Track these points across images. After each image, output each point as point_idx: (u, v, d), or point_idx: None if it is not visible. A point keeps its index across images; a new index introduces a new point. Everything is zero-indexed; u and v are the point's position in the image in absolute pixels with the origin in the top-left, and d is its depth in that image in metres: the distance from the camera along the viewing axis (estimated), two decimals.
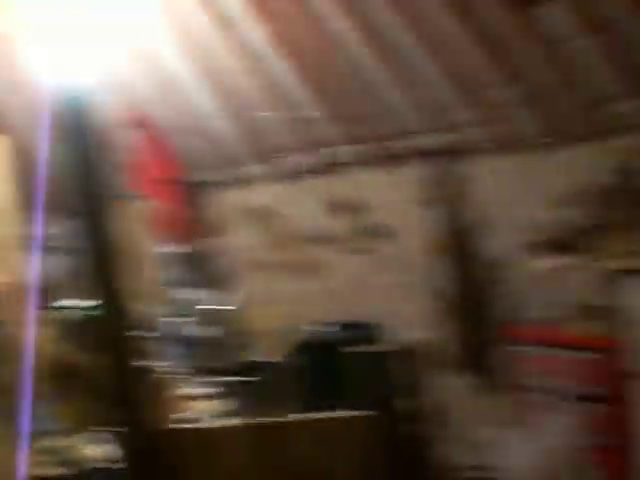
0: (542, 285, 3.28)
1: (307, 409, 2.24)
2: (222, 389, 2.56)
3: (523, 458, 2.86)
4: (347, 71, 3.68)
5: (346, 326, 2.57)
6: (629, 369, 2.69)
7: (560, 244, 3.21)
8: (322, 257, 4.24)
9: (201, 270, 4.31)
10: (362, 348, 1.85)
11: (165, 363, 2.58)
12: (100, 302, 3.03)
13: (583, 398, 2.82)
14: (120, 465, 2.31)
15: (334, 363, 2.28)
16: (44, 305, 4.13)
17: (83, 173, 2.05)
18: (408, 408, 1.90)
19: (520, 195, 3.55)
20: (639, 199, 3.07)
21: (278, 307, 4.24)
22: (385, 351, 1.77)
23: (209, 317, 3.73)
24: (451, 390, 3.47)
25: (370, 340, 2.20)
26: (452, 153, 3.83)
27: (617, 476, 2.66)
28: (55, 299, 4.34)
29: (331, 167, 4.15)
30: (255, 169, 4.28)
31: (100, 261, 2.11)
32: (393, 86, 3.70)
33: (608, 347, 2.68)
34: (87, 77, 2.09)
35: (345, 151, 4.08)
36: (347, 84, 3.77)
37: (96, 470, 2.56)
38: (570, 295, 3.10)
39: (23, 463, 2.68)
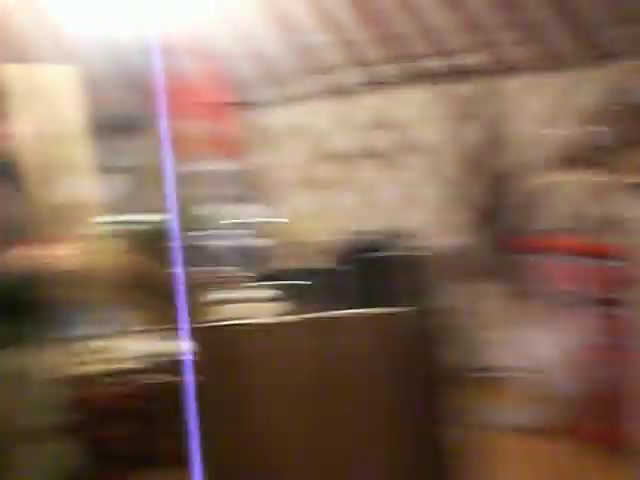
0: (565, 198, 3.48)
1: (353, 308, 2.52)
2: (278, 292, 2.83)
3: (542, 356, 3.14)
4: None
5: (387, 235, 2.81)
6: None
7: (585, 159, 3.38)
8: (364, 172, 4.47)
9: (249, 186, 4.55)
10: (399, 253, 2.09)
11: (225, 269, 2.86)
12: (163, 216, 3.34)
13: (598, 302, 3.07)
14: (186, 358, 2.62)
15: (376, 268, 2.54)
16: (112, 220, 4.46)
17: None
18: (437, 308, 2.17)
19: (551, 112, 3.72)
20: None
21: (324, 220, 4.52)
22: (419, 256, 2.00)
23: (259, 229, 4.00)
24: (475, 295, 3.75)
25: (407, 247, 2.43)
26: (488, 72, 3.98)
27: (625, 371, 2.92)
28: (121, 214, 4.67)
29: (373, 85, 4.31)
30: (300, 88, 4.46)
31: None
32: (434, 7, 3.84)
33: (622, 255, 2.91)
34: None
35: (387, 70, 4.25)
36: (390, 5, 3.90)
37: (164, 363, 2.86)
38: (589, 207, 3.29)
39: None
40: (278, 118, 4.61)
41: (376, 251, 2.69)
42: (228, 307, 2.54)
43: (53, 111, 3.58)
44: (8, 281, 3.27)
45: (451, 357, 2.21)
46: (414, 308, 2.18)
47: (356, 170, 4.51)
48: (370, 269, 2.60)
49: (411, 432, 2.36)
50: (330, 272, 2.86)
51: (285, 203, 4.59)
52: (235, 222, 3.66)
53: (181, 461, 2.84)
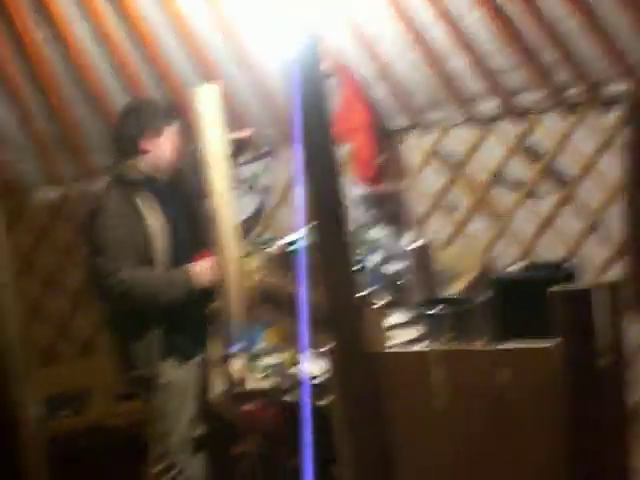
0: None
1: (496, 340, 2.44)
2: (418, 320, 2.78)
3: None
4: (535, 21, 3.74)
5: (535, 266, 2.70)
6: None
7: None
8: (507, 201, 4.36)
9: (392, 211, 4.54)
10: (558, 287, 1.98)
11: (367, 293, 2.84)
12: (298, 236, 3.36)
13: None
14: (327, 380, 2.59)
15: (528, 300, 2.44)
16: (251, 239, 4.54)
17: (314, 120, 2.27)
18: (601, 346, 2.04)
19: None
20: None
21: (465, 248, 4.44)
22: (581, 290, 1.88)
23: (400, 254, 3.97)
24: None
25: (561, 280, 2.32)
26: (636, 101, 3.82)
27: None
28: (258, 234, 4.75)
29: (518, 113, 4.22)
30: (444, 115, 4.41)
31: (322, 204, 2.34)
32: (581, 35, 3.72)
33: None
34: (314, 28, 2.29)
35: (528, 97, 4.14)
36: (532, 32, 3.81)
37: (304, 384, 2.85)
38: None
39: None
40: (416, 145, 4.58)
41: (525, 282, 2.60)
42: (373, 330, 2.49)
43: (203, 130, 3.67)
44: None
45: (618, 398, 2.08)
46: (571, 346, 2.05)
47: (494, 199, 4.41)
48: (518, 301, 2.51)
49: None
50: (473, 302, 2.78)
51: (426, 229, 4.54)
52: (374, 247, 3.63)
53: None
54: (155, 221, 3.36)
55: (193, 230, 3.66)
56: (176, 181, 3.65)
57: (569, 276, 2.41)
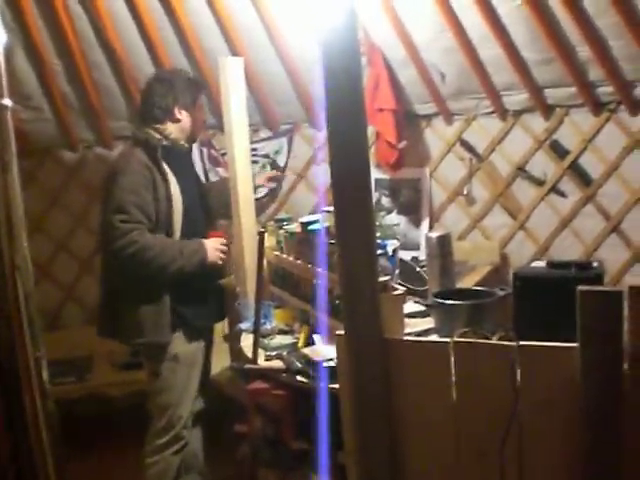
0: None
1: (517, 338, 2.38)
2: (434, 310, 2.73)
3: None
4: (572, 16, 3.66)
5: (559, 264, 2.64)
6: None
7: None
8: (528, 196, 4.31)
9: (410, 198, 4.49)
10: (587, 287, 1.92)
11: (384, 280, 2.78)
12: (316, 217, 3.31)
13: None
14: (333, 365, 2.55)
15: (551, 298, 2.38)
16: (268, 217, 4.50)
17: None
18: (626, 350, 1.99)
19: None
20: None
21: (481, 241, 4.40)
22: (614, 291, 1.82)
23: (417, 242, 3.93)
24: None
25: (589, 279, 2.26)
26: None
27: None
28: (275, 212, 4.71)
29: (547, 108, 4.16)
30: (471, 104, 4.35)
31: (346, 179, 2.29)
32: (617, 34, 3.65)
33: None
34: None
35: (562, 93, 4.07)
36: (569, 27, 3.74)
37: (315, 366, 2.82)
38: None
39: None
40: (440, 133, 4.53)
41: (547, 279, 2.54)
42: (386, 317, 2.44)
43: (227, 102, 3.63)
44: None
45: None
46: (596, 346, 2.00)
47: (515, 193, 4.36)
48: (542, 297, 2.45)
49: None
50: (492, 296, 2.73)
51: (439, 220, 4.49)
52: (391, 233, 3.58)
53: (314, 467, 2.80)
54: (176, 190, 3.33)
55: (205, 206, 3.64)
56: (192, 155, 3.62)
57: (598, 276, 2.35)
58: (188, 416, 3.51)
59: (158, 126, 3.40)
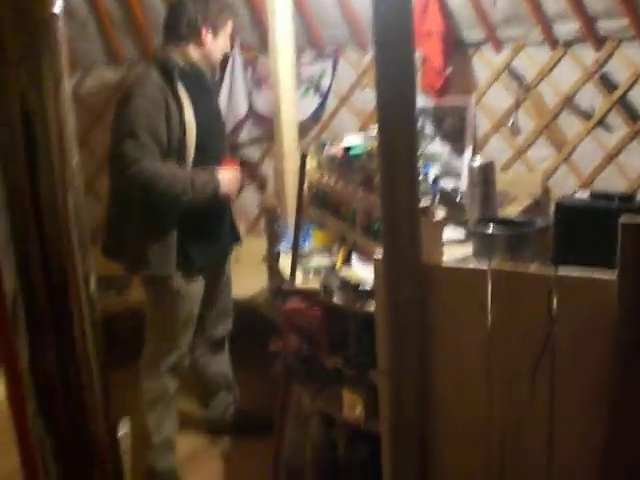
0: None
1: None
2: (473, 238, 2.73)
3: None
4: None
5: (602, 195, 2.61)
6: None
7: None
8: (574, 129, 4.24)
9: (454, 126, 4.44)
10: (630, 218, 1.90)
11: (426, 205, 2.79)
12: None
13: None
14: (375, 286, 2.58)
15: (592, 229, 2.37)
16: (310, 139, 4.49)
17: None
18: None
19: None
20: None
21: (525, 173, 4.36)
22: None
23: (457, 171, 3.91)
24: None
25: (632, 212, 2.23)
26: None
27: None
28: (317, 135, 4.69)
29: (598, 39, 4.06)
30: (521, 33, 4.25)
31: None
32: None
33: None
34: None
35: (614, 24, 3.95)
36: None
37: (350, 287, 2.85)
38: None
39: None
40: (487, 61, 4.44)
41: (589, 209, 2.52)
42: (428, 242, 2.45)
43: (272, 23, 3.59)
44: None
45: None
46: (635, 278, 1.99)
47: (561, 125, 4.29)
48: (583, 228, 2.44)
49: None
50: (532, 225, 2.72)
51: (483, 150, 4.45)
52: (433, 160, 3.56)
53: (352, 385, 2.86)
54: (190, 116, 3.23)
55: (220, 135, 3.57)
56: (210, 82, 3.55)
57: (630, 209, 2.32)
58: (185, 347, 3.54)
59: (182, 46, 3.31)
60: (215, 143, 3.45)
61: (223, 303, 3.75)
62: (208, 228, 3.42)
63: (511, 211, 3.68)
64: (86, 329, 1.16)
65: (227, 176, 3.34)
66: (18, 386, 1.16)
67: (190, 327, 3.50)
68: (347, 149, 3.30)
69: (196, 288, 3.46)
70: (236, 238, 3.71)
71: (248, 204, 5.00)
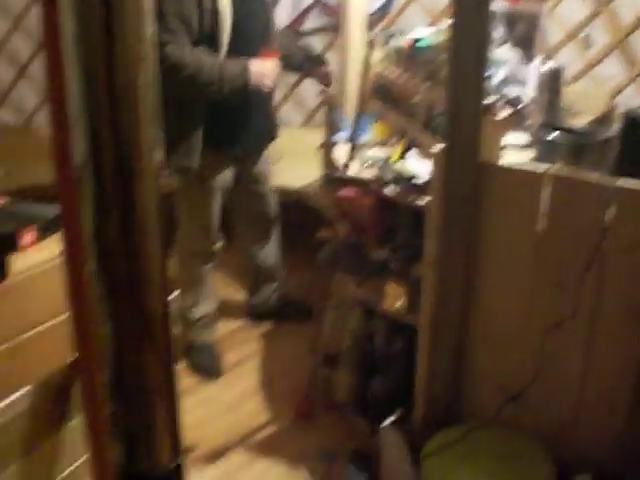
0: None
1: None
2: (535, 144, 2.69)
3: None
4: None
5: None
6: None
7: None
8: None
9: (524, 33, 4.31)
10: None
11: (489, 104, 2.74)
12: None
13: None
14: (430, 181, 2.57)
15: None
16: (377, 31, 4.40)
17: None
18: None
19: None
20: None
21: (593, 87, 4.24)
22: None
23: (523, 79, 3.79)
24: None
25: None
26: None
27: None
28: (385, 27, 4.58)
29: None
30: None
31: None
32: None
33: None
34: None
35: None
36: None
37: (404, 179, 2.84)
38: None
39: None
40: None
41: None
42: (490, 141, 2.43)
43: None
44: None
45: None
46: None
47: (635, 43, 4.14)
48: None
49: None
50: (596, 136, 2.67)
51: (554, 60, 4.32)
52: (499, 64, 3.46)
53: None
54: (226, 1, 3.07)
55: (263, 22, 3.37)
56: None
57: None
58: (214, 233, 3.58)
59: None
60: (255, 32, 3.29)
61: (261, 197, 3.76)
62: (239, 118, 3.34)
63: (576, 123, 3.60)
64: (150, 201, 1.18)
65: (261, 68, 3.20)
66: (78, 246, 1.20)
67: (216, 214, 3.54)
68: (415, 40, 3.22)
69: (224, 177, 3.48)
70: (272, 135, 3.66)
71: (307, 95, 4.97)
